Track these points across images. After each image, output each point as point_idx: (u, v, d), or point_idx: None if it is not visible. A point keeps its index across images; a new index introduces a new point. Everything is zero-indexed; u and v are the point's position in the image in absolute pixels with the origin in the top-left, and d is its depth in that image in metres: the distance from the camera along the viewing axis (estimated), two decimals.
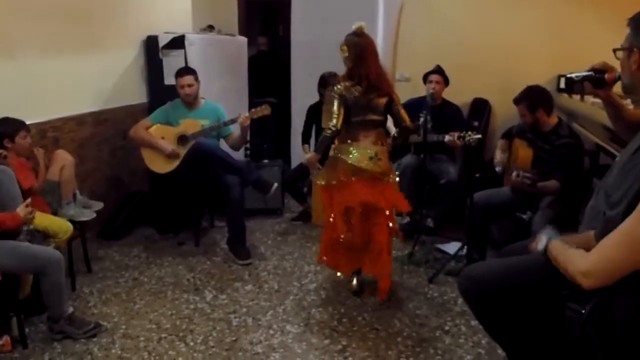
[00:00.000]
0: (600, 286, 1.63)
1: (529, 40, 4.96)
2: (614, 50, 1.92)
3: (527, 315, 2.08)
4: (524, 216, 3.51)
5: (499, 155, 3.84)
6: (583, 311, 1.78)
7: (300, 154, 5.04)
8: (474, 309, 2.30)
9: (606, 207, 1.81)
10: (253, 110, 4.06)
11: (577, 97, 4.51)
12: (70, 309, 2.98)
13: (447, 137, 4.01)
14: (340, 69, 4.66)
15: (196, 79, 4.23)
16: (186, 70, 4.26)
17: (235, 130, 4.23)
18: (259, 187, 4.18)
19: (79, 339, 2.92)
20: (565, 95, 4.69)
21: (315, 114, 4.69)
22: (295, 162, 5.32)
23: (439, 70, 4.44)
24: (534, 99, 3.48)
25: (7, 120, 3.23)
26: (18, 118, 3.28)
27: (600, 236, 1.70)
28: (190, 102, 4.24)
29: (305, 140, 4.82)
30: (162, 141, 4.17)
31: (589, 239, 1.85)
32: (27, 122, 3.34)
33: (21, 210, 2.79)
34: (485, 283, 2.14)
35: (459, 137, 3.87)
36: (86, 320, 3.05)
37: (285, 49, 5.95)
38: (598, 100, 3.95)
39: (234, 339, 2.98)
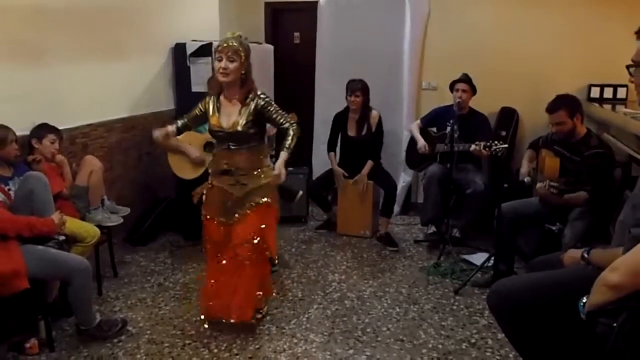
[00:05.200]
0: (624, 283, 1.63)
1: (559, 49, 4.88)
2: (627, 67, 1.89)
3: (556, 331, 2.04)
4: (554, 228, 3.44)
5: (525, 166, 3.77)
6: (615, 324, 1.74)
7: (322, 162, 5.02)
8: (503, 325, 2.26)
9: (633, 223, 1.77)
10: None
11: (608, 106, 4.46)
12: (97, 319, 2.99)
13: (472, 147, 3.97)
14: (366, 77, 4.66)
15: None
16: None
17: None
18: (284, 194, 4.17)
19: (106, 342, 2.96)
20: (596, 104, 4.61)
21: (341, 121, 4.69)
22: (317, 171, 5.31)
23: (466, 79, 4.39)
24: (572, 104, 3.42)
25: (43, 125, 3.34)
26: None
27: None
28: None
29: (332, 147, 4.80)
30: (189, 146, 4.22)
31: (617, 255, 1.80)
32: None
33: (56, 216, 2.84)
34: (514, 299, 2.11)
35: (485, 147, 3.83)
36: (112, 320, 3.08)
37: (301, 56, 5.95)
38: (630, 110, 3.90)
39: (257, 346, 2.98)
